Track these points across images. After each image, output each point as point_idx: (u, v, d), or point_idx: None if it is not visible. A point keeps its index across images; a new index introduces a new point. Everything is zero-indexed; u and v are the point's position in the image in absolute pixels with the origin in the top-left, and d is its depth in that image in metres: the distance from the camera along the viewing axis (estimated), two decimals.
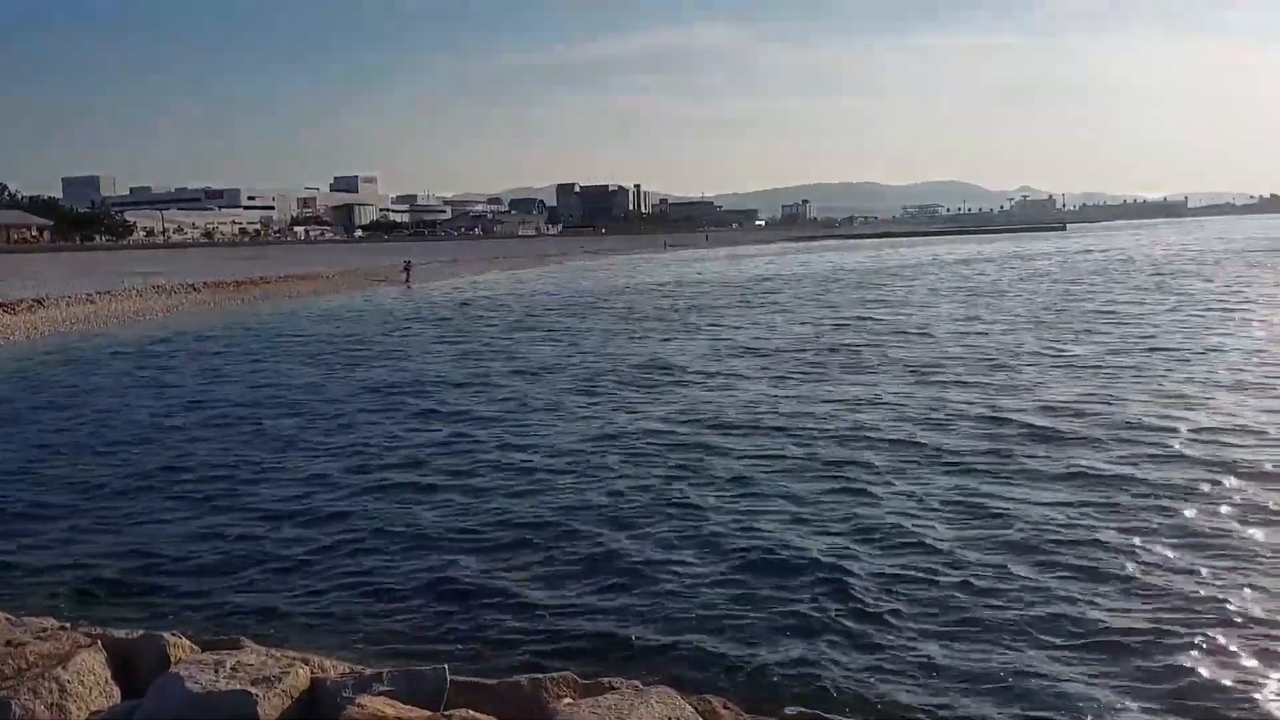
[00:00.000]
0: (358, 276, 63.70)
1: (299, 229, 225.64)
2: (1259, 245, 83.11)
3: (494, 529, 10.21)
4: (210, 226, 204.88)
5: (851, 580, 8.41)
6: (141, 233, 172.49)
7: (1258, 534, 9.20)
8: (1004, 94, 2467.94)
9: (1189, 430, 13.30)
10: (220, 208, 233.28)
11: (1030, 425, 13.96)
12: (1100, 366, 19.35)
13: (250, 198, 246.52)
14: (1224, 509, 9.95)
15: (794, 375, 19.69)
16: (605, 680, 5.89)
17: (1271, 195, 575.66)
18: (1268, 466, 11.37)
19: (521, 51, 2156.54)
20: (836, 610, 7.85)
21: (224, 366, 23.84)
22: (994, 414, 14.83)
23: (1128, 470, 11.41)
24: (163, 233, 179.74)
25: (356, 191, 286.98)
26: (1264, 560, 8.56)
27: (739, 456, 12.85)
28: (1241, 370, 18.34)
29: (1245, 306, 31.04)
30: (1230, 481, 10.85)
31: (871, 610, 7.83)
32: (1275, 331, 24.37)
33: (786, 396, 17.21)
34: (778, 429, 14.46)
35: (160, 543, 10.08)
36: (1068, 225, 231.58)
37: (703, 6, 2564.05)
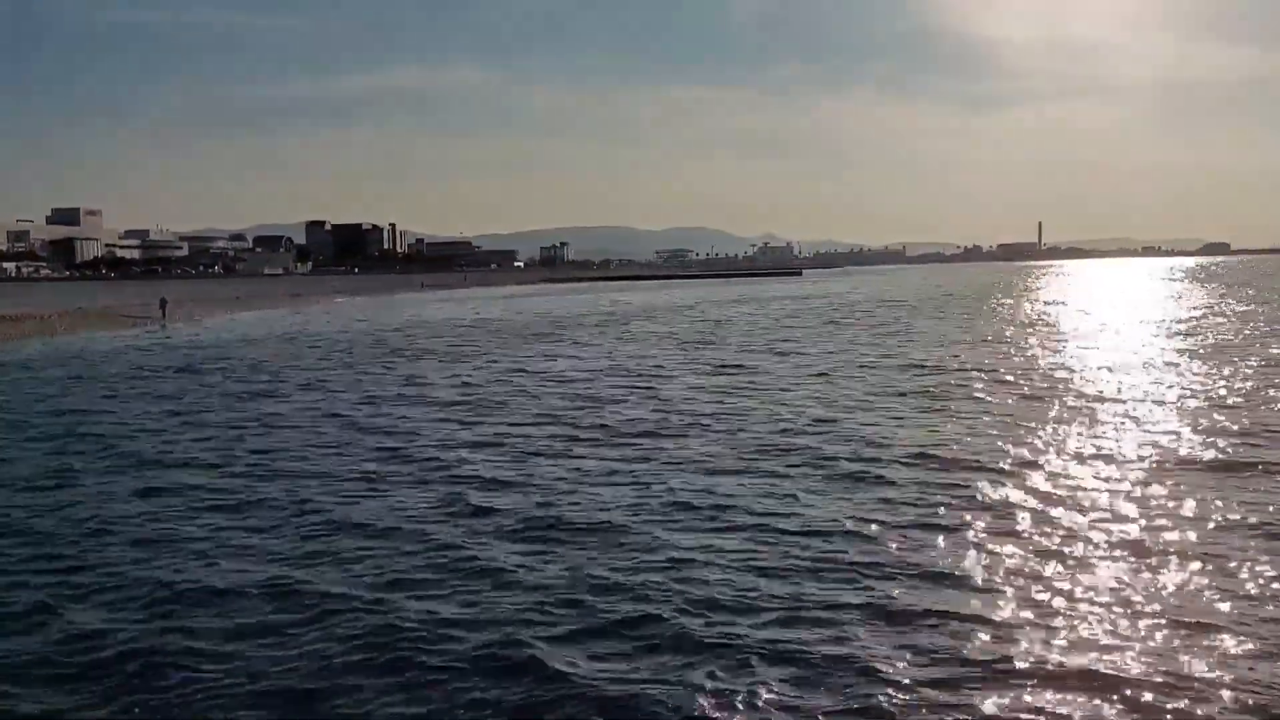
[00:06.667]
0: (86, 317, 58.17)
1: (8, 265, 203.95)
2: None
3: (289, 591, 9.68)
4: None
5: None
6: None
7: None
8: (747, 145, 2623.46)
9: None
10: None
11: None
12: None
13: None
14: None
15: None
16: None
17: (974, 245, 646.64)
18: None
19: (265, 84, 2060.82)
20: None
21: None
22: None
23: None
24: None
25: (78, 225, 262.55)
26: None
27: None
28: None
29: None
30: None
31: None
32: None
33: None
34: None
35: None
36: (804, 271, 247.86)
37: (452, 47, 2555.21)
